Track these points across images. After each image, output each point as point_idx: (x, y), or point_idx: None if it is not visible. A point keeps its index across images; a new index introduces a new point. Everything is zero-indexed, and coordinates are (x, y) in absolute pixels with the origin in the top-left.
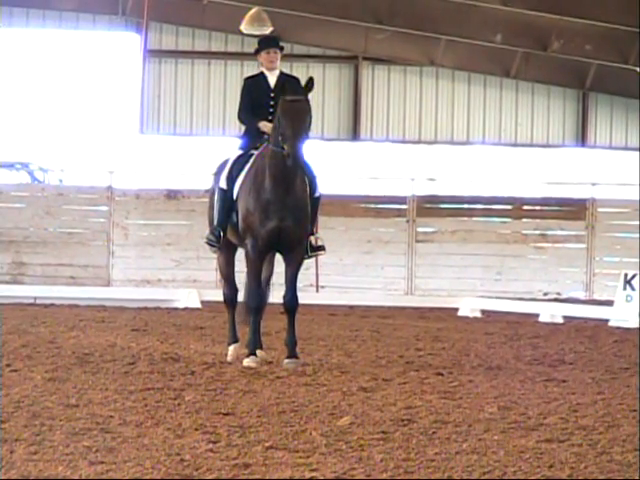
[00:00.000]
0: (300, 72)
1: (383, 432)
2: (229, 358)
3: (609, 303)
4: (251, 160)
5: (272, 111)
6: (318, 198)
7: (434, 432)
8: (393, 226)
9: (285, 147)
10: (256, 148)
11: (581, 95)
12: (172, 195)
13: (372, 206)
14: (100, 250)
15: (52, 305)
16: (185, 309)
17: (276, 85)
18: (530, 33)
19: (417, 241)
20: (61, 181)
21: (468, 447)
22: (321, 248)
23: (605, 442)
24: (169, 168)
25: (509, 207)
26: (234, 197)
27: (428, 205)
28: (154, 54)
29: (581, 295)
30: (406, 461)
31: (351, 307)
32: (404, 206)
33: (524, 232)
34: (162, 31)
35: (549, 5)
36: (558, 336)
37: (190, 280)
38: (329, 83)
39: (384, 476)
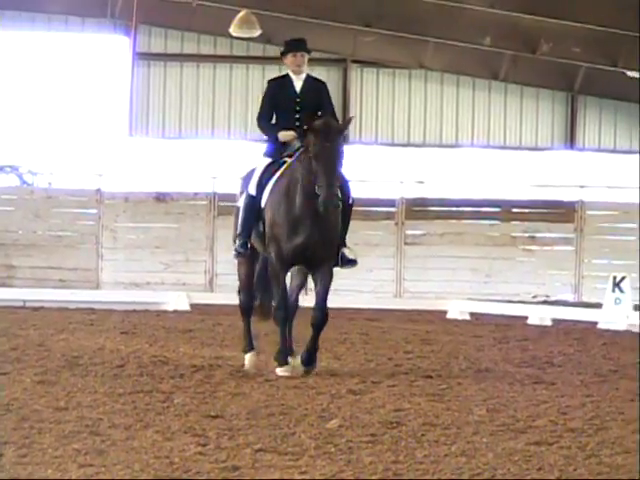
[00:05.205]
0: None
1: (372, 435)
2: (247, 367)
3: (598, 305)
4: (282, 168)
5: (298, 117)
6: (351, 205)
7: (423, 435)
8: (382, 229)
9: (318, 191)
10: (290, 155)
11: (570, 98)
12: (161, 198)
13: (361, 209)
14: (89, 253)
15: (41, 308)
16: (174, 312)
17: (302, 89)
18: (519, 35)
19: (406, 244)
20: (50, 184)
21: (457, 450)
22: (353, 262)
23: (594, 444)
24: (158, 171)
25: (498, 210)
26: (262, 205)
27: (417, 208)
28: (143, 57)
29: (570, 297)
30: (395, 463)
31: (340, 310)
32: (393, 209)
33: (513, 235)
34: (151, 34)
35: (537, 7)
36: (547, 339)
37: (179, 283)
38: None
39: (373, 478)
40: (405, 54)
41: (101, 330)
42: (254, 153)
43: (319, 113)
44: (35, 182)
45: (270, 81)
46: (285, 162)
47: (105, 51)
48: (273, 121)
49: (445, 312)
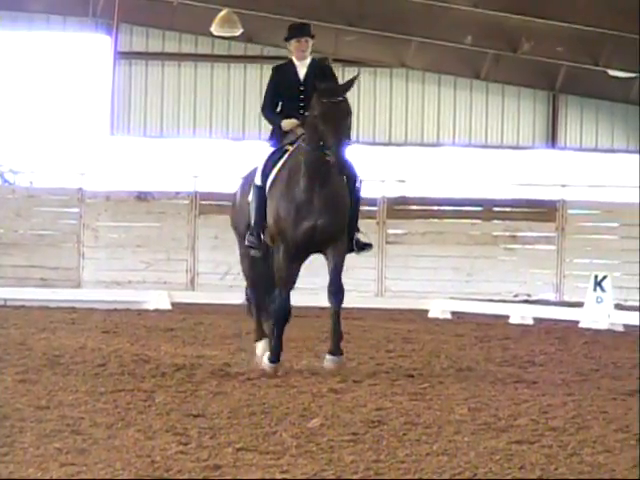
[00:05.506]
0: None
1: (353, 434)
2: (259, 354)
3: (579, 305)
4: (285, 157)
5: (302, 105)
6: (359, 198)
7: (404, 434)
8: (363, 228)
9: (329, 153)
10: (292, 143)
11: (551, 97)
12: (142, 197)
13: None
14: (70, 252)
15: (22, 307)
16: (155, 311)
17: (307, 76)
18: (500, 35)
19: (387, 243)
20: (31, 183)
21: (438, 449)
22: (369, 246)
23: (575, 443)
24: (139, 170)
25: (479, 209)
26: (266, 192)
27: (398, 207)
28: (124, 56)
29: (551, 297)
30: (376, 463)
31: (321, 309)
32: (374, 208)
33: (494, 234)
34: (132, 33)
35: (519, 7)
36: (528, 338)
37: (160, 282)
38: None
39: (354, 478)
40: (387, 53)
41: (82, 329)
42: (235, 152)
43: None
44: (16, 181)
45: (274, 68)
46: (287, 150)
47: (87, 50)
48: (278, 109)
49: (427, 311)
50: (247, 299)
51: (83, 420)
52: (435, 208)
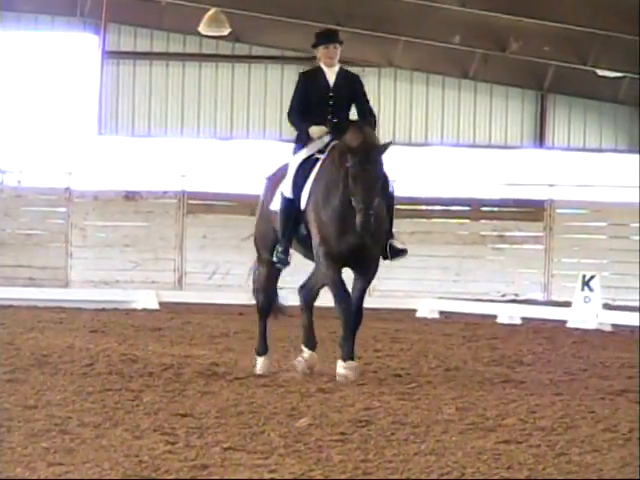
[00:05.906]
0: (258, 73)
1: (341, 433)
2: (259, 370)
3: (567, 304)
4: (317, 166)
5: (331, 110)
6: (392, 197)
7: (392, 433)
8: None
9: (356, 209)
10: (321, 151)
11: (539, 96)
12: (130, 196)
13: None
14: (58, 251)
15: (10, 306)
16: (143, 310)
17: (336, 83)
18: (488, 34)
19: None
20: (19, 182)
21: (426, 448)
22: (403, 252)
23: (563, 443)
24: (127, 169)
25: (467, 208)
26: (302, 207)
27: None
28: (112, 55)
29: (539, 296)
30: (364, 462)
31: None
32: None
33: (482, 233)
34: (120, 32)
35: (507, 6)
36: (516, 337)
37: (148, 281)
38: (287, 84)
39: (343, 477)
40: (374, 52)
41: (70, 329)
42: (223, 151)
43: (351, 117)
44: (4, 180)
45: (302, 74)
46: (318, 159)
47: (74, 49)
48: (305, 115)
49: (414, 311)
50: (257, 307)
51: (71, 420)
52: (423, 208)
